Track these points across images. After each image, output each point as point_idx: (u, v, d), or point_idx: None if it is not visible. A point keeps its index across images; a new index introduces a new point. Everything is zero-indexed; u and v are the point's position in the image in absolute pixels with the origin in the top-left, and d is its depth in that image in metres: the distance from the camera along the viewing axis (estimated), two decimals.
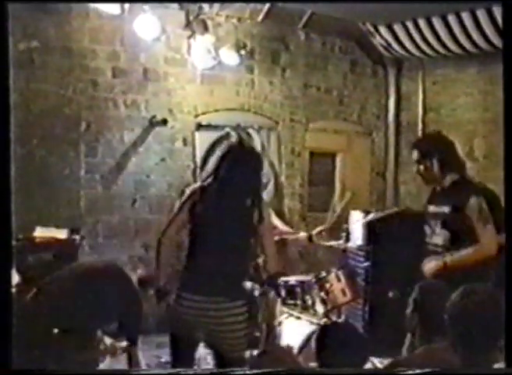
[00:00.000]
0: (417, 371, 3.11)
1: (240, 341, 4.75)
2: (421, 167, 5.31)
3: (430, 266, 5.22)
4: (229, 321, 4.61)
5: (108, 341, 5.31)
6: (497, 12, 7.52)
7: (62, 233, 6.38)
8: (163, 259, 4.82)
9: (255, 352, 6.55)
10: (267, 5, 8.91)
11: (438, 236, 5.23)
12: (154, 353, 7.53)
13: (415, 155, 5.34)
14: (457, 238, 5.06)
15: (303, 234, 7.49)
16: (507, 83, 3.48)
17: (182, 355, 4.87)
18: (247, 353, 6.51)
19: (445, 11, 8.14)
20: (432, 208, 5.35)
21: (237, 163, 4.80)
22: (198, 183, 5.10)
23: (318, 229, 7.24)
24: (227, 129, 8.98)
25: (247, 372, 3.43)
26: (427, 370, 3.11)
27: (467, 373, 3.21)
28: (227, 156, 4.89)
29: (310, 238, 7.28)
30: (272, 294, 6.75)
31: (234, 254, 4.71)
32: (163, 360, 7.27)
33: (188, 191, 4.88)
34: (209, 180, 4.88)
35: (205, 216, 4.75)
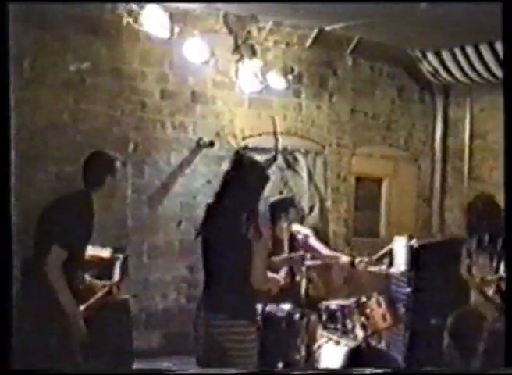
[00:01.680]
0: (417, 371, 3.12)
1: (247, 359, 4.69)
2: None
3: None
4: (233, 338, 4.60)
5: (87, 278, 5.37)
6: None
7: (106, 252, 6.45)
8: None
9: None
10: (315, 31, 8.96)
11: None
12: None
13: None
14: None
15: (345, 259, 7.51)
16: (507, 82, 3.49)
17: None
18: None
19: (493, 38, 8.12)
20: None
21: (236, 177, 4.80)
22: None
23: (363, 259, 7.26)
24: (273, 152, 9.03)
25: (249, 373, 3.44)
26: (426, 370, 3.11)
27: (467, 373, 3.22)
28: (229, 171, 4.90)
29: (352, 264, 7.30)
30: (313, 317, 6.80)
31: (234, 270, 4.69)
32: None
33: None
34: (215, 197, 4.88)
35: (208, 234, 4.82)
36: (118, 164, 5.49)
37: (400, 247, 8.07)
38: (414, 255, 7.91)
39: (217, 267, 4.73)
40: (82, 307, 5.09)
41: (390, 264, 8.12)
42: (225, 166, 8.68)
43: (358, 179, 9.98)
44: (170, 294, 8.54)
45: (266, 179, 5.01)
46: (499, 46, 8.08)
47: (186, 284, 8.61)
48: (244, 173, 4.83)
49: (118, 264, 5.71)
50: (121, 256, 6.83)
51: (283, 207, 7.29)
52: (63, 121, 7.62)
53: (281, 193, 9.06)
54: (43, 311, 4.95)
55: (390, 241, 8.49)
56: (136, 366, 6.01)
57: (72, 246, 5.04)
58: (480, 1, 7.19)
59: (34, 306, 4.95)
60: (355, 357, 6.15)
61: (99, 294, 5.39)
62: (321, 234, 8.72)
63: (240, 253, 4.66)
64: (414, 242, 7.80)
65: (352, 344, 6.65)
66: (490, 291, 6.47)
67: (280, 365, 6.56)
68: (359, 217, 9.98)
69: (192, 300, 8.55)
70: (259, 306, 5.91)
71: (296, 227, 7.75)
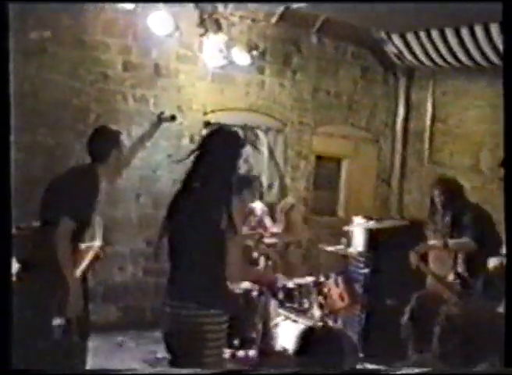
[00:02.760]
0: (416, 371, 3.13)
1: (217, 350, 4.42)
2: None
3: (491, 262, 5.60)
4: (206, 329, 4.29)
5: (83, 245, 5.37)
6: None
7: None
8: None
9: (250, 352, 6.63)
10: (281, 8, 8.91)
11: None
12: (150, 349, 7.56)
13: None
14: None
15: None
16: (507, 82, 3.49)
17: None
18: (241, 353, 6.60)
19: (458, 23, 8.15)
20: None
21: (211, 151, 4.42)
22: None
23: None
24: (235, 128, 9.00)
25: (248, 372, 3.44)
26: (426, 370, 3.12)
27: (467, 373, 3.23)
28: (202, 145, 4.50)
29: None
30: (269, 296, 6.80)
31: (205, 261, 4.35)
32: (159, 356, 7.29)
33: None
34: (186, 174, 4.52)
35: (175, 216, 4.45)
36: (121, 137, 5.51)
37: (358, 227, 8.11)
38: (372, 235, 7.94)
39: (187, 256, 4.38)
40: (77, 272, 5.12)
41: (348, 244, 8.16)
42: (186, 140, 8.70)
43: (318, 158, 9.99)
44: (127, 268, 8.52)
45: (242, 147, 4.56)
46: (464, 31, 8.11)
47: (143, 258, 8.58)
48: (223, 143, 4.44)
49: (98, 227, 5.65)
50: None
51: (244, 184, 7.25)
52: (23, 90, 7.49)
53: (241, 169, 9.04)
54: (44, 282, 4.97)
55: (348, 220, 8.53)
56: (92, 339, 5.95)
57: (80, 218, 5.05)
58: (480, 1, 7.21)
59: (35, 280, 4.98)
60: (309, 336, 6.17)
61: (88, 259, 5.39)
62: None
63: (213, 242, 4.33)
64: (372, 223, 7.82)
65: (309, 323, 6.68)
66: (450, 276, 6.56)
67: (236, 342, 6.58)
68: (318, 196, 10.00)
69: (149, 273, 8.57)
70: None
71: (254, 204, 7.77)
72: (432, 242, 6.77)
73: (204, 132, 8.46)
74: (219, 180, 4.33)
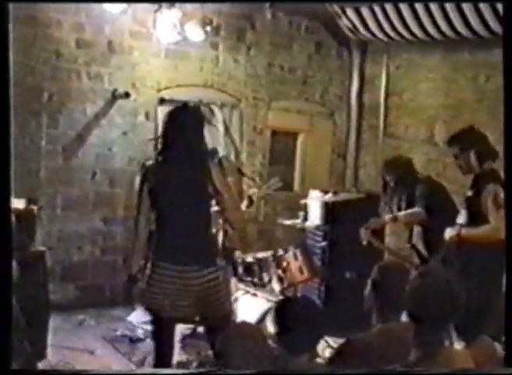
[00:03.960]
0: (417, 371, 3.18)
1: (223, 301, 4.88)
2: (460, 161, 5.66)
3: (448, 232, 5.57)
4: (210, 285, 4.72)
5: None
6: None
7: (19, 203, 6.32)
8: (141, 240, 4.82)
9: None
10: None
11: (460, 215, 5.62)
12: (110, 326, 7.57)
13: (453, 150, 5.67)
14: (474, 219, 5.44)
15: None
16: (507, 82, 3.53)
17: (162, 329, 4.90)
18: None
19: None
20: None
21: (178, 125, 4.81)
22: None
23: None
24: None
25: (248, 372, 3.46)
26: (426, 370, 3.18)
27: (467, 373, 3.29)
28: (169, 121, 4.89)
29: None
30: (229, 269, 6.83)
31: (197, 222, 4.78)
32: (119, 333, 7.30)
33: (146, 164, 4.87)
34: (159, 149, 4.90)
35: (162, 187, 4.76)
36: None
37: (314, 201, 8.15)
38: (328, 209, 7.99)
39: (175, 221, 4.73)
40: None
41: (305, 218, 8.21)
42: (142, 117, 8.67)
43: (274, 133, 9.99)
44: (85, 247, 8.48)
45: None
46: (418, 5, 8.13)
47: (101, 236, 8.56)
48: (188, 119, 4.86)
49: None
50: (35, 208, 6.72)
51: (212, 153, 7.24)
52: None
53: None
54: None
55: (304, 195, 8.58)
56: (52, 318, 5.95)
57: None
58: (480, 1, 7.25)
59: None
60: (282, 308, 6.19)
61: None
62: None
63: (204, 206, 4.83)
64: (328, 196, 7.86)
65: (270, 297, 6.72)
66: (406, 249, 6.66)
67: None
68: (274, 171, 10.01)
69: (107, 252, 8.56)
70: None
71: None
72: (381, 217, 6.83)
73: (163, 109, 8.47)
74: (197, 150, 4.81)
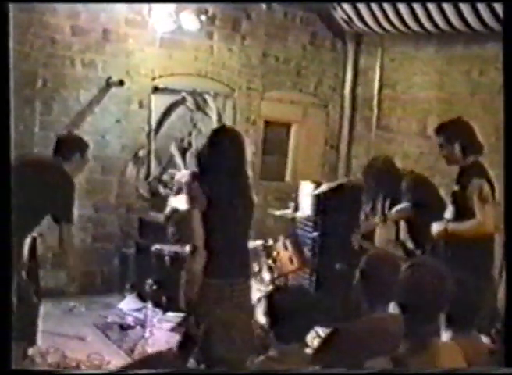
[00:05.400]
0: (416, 371, 3.21)
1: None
2: (445, 151, 5.66)
3: (434, 227, 5.61)
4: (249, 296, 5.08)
5: None
6: None
7: None
8: None
9: None
10: None
11: (447, 210, 5.64)
12: (100, 313, 7.59)
13: (439, 140, 5.68)
14: (461, 214, 5.47)
15: None
16: (507, 81, 3.55)
17: None
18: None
19: None
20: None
21: (221, 146, 4.99)
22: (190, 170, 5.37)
23: None
24: (183, 93, 9.01)
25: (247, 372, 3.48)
26: (426, 370, 3.20)
27: (467, 373, 3.32)
28: (213, 141, 5.07)
29: None
30: None
31: (244, 235, 5.06)
32: (109, 320, 7.33)
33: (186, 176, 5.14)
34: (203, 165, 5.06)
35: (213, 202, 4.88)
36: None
37: (305, 192, 8.18)
38: (319, 200, 8.01)
39: (226, 233, 4.89)
40: None
41: (296, 208, 8.23)
42: (135, 105, 8.67)
43: (267, 123, 10.00)
44: (76, 234, 8.46)
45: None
46: None
47: (92, 224, 8.56)
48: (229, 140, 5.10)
49: None
50: None
51: None
52: None
53: (190, 134, 9.08)
54: None
55: (296, 185, 8.61)
56: (43, 305, 5.96)
57: None
58: (480, 1, 7.25)
59: None
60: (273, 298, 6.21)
61: None
62: None
63: (247, 218, 5.10)
64: (320, 187, 7.89)
65: (260, 286, 6.75)
66: (393, 245, 6.69)
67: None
68: (266, 161, 10.04)
69: (98, 240, 8.56)
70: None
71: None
72: (370, 220, 6.85)
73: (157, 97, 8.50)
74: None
